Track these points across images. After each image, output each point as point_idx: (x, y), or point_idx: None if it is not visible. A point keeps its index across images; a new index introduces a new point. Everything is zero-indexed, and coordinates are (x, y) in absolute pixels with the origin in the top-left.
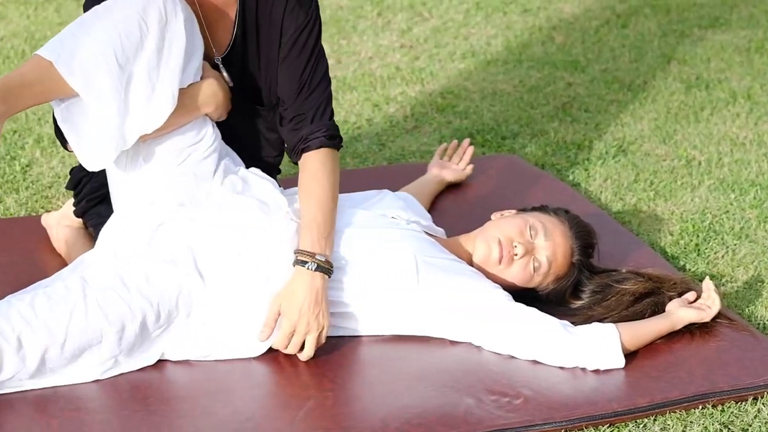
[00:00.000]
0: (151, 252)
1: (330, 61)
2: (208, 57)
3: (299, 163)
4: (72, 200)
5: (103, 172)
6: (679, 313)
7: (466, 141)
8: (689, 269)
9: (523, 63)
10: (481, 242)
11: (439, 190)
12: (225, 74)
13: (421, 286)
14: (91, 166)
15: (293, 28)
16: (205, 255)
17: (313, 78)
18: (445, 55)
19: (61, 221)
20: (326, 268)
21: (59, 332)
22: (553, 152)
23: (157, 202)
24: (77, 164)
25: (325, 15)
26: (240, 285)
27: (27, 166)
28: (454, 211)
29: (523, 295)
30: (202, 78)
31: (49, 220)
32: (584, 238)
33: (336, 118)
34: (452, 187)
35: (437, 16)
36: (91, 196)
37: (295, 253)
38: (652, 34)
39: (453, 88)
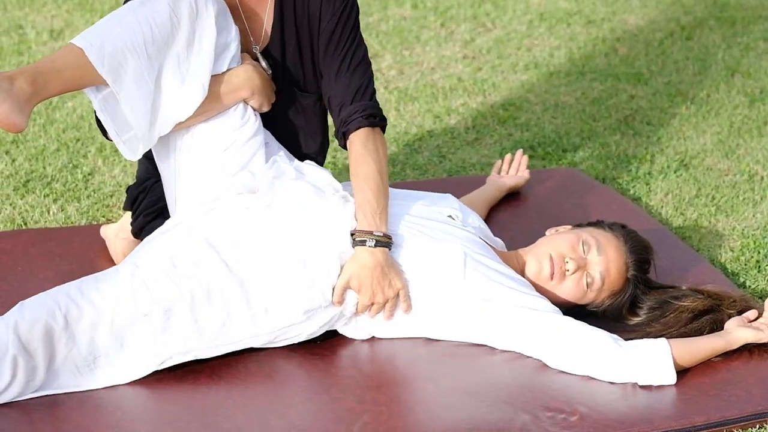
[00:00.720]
0: (198, 235)
1: (392, 72)
2: (246, 48)
3: (348, 147)
4: (130, 213)
5: (158, 188)
6: (736, 332)
7: (519, 152)
8: (749, 286)
9: (585, 75)
10: (533, 258)
11: (497, 197)
12: (263, 63)
13: (468, 281)
14: (130, 155)
15: (330, 14)
16: (244, 245)
17: (352, 61)
18: (508, 67)
19: (119, 233)
20: (385, 242)
21: (106, 310)
22: (615, 166)
23: (215, 193)
24: (134, 182)
25: (388, 25)
26: (277, 272)
27: (89, 174)
28: (512, 225)
29: (578, 311)
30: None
31: (107, 232)
32: (639, 252)
33: (397, 130)
34: (511, 200)
35: (500, 27)
36: (148, 211)
37: (351, 235)
38: (717, 46)
39: (515, 100)
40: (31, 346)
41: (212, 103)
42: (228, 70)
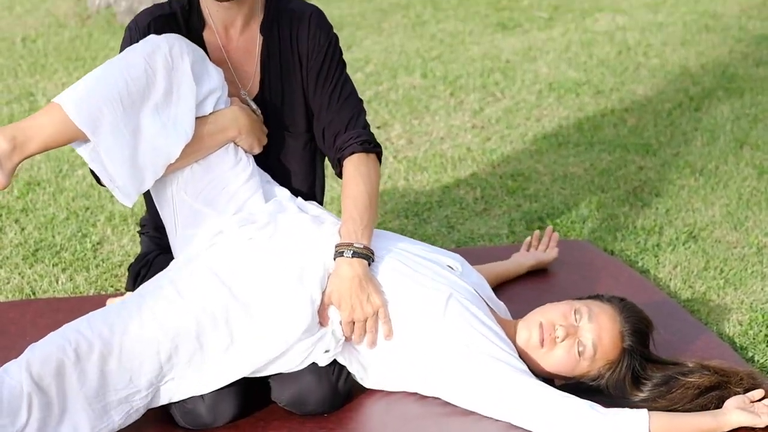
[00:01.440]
0: (203, 265)
1: (401, 141)
2: (236, 94)
3: (342, 171)
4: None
5: (161, 261)
6: (731, 414)
7: (549, 228)
8: (758, 361)
9: (594, 145)
10: (523, 326)
11: (513, 273)
12: (252, 104)
13: (447, 321)
14: (126, 201)
15: (316, 51)
16: (247, 271)
17: (342, 93)
18: (517, 137)
19: None
20: (364, 254)
21: (114, 343)
22: (623, 237)
23: (217, 228)
24: (134, 260)
25: (398, 95)
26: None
27: (98, 243)
28: (519, 296)
29: (579, 387)
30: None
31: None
32: (635, 323)
33: (406, 200)
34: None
35: (509, 97)
36: None
37: (334, 248)
38: (725, 118)
39: (524, 170)
40: (43, 382)
41: (200, 143)
42: (214, 111)
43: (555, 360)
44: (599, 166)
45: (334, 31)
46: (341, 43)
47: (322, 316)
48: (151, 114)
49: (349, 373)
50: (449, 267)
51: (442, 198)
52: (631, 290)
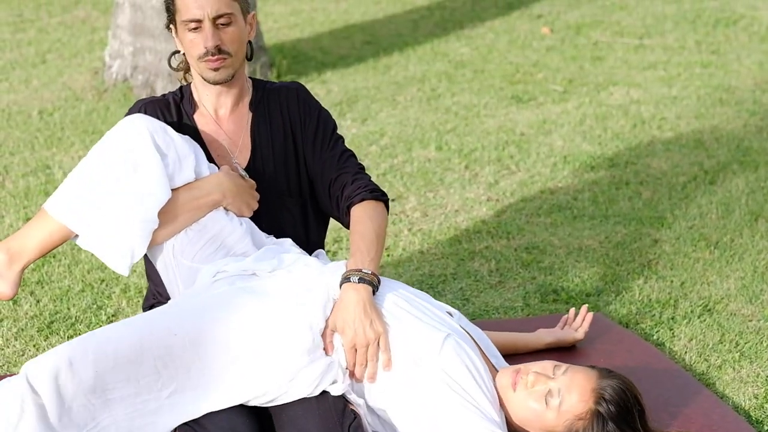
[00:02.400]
0: (205, 292)
1: (416, 214)
2: (228, 162)
3: (350, 217)
4: None
5: None
6: None
7: (585, 307)
8: None
9: (609, 218)
10: (503, 372)
11: (530, 345)
12: (240, 171)
13: (442, 358)
14: (122, 271)
15: (309, 117)
16: (251, 296)
17: (344, 152)
18: (532, 210)
19: None
20: (370, 281)
21: (108, 351)
22: (638, 311)
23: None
24: None
25: (413, 167)
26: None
27: (113, 315)
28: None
29: None
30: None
31: None
32: (616, 391)
33: (420, 272)
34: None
35: (524, 170)
36: None
37: (341, 276)
38: (740, 191)
39: (538, 243)
40: (37, 385)
41: (185, 207)
42: (199, 178)
43: (523, 405)
44: (614, 239)
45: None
46: (357, 116)
47: (326, 344)
48: (123, 191)
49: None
50: (448, 313)
51: (456, 270)
52: (646, 363)
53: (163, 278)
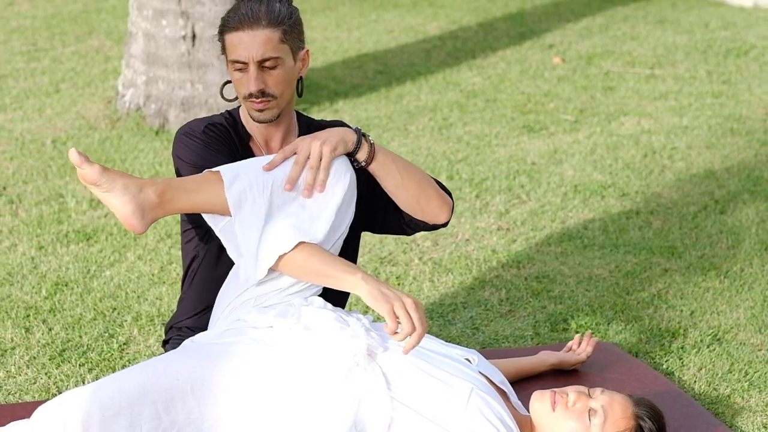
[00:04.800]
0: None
1: (426, 243)
2: None
3: None
4: None
5: None
6: None
7: (588, 332)
8: None
9: (619, 248)
10: (536, 398)
11: (536, 369)
12: None
13: (468, 414)
14: (251, 276)
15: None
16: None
17: None
18: (542, 239)
19: None
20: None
21: (113, 386)
22: (648, 339)
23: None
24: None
25: None
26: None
27: (125, 344)
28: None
29: None
30: None
31: None
32: (650, 412)
33: (431, 301)
34: (543, 372)
35: (535, 199)
36: None
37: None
38: (750, 221)
39: (549, 272)
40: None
41: (318, 270)
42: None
43: (564, 425)
44: (624, 269)
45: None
46: None
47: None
48: (289, 207)
49: None
50: (467, 360)
51: (467, 299)
52: (655, 392)
53: (226, 287)
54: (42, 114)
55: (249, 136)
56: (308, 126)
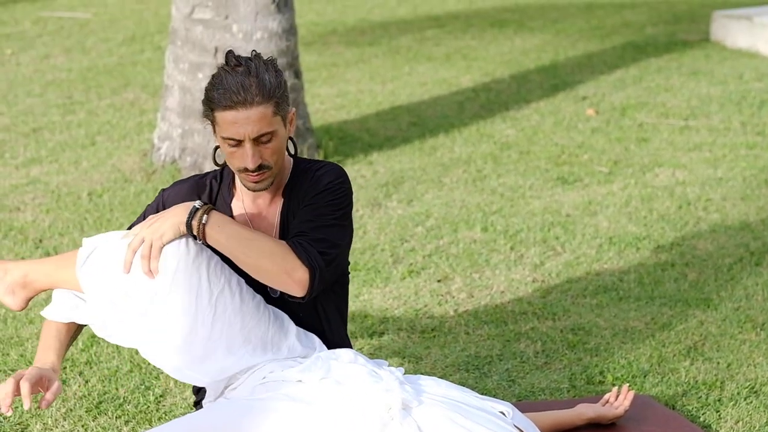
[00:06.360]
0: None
1: (462, 295)
2: None
3: None
4: None
5: None
6: None
7: (626, 386)
8: None
9: (655, 300)
10: None
11: (572, 423)
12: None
13: None
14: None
15: (314, 189)
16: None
17: (323, 219)
18: (577, 291)
19: None
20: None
21: None
22: (684, 392)
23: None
24: None
25: (458, 248)
26: None
27: (161, 396)
28: None
29: None
30: None
31: None
32: None
33: (466, 353)
34: (581, 426)
35: (570, 251)
36: None
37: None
38: None
39: (584, 324)
40: None
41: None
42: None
43: None
44: (660, 321)
45: (347, 185)
46: (402, 197)
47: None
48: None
49: None
50: (502, 413)
51: (502, 351)
52: None
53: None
54: (78, 167)
55: (233, 195)
56: (297, 170)
